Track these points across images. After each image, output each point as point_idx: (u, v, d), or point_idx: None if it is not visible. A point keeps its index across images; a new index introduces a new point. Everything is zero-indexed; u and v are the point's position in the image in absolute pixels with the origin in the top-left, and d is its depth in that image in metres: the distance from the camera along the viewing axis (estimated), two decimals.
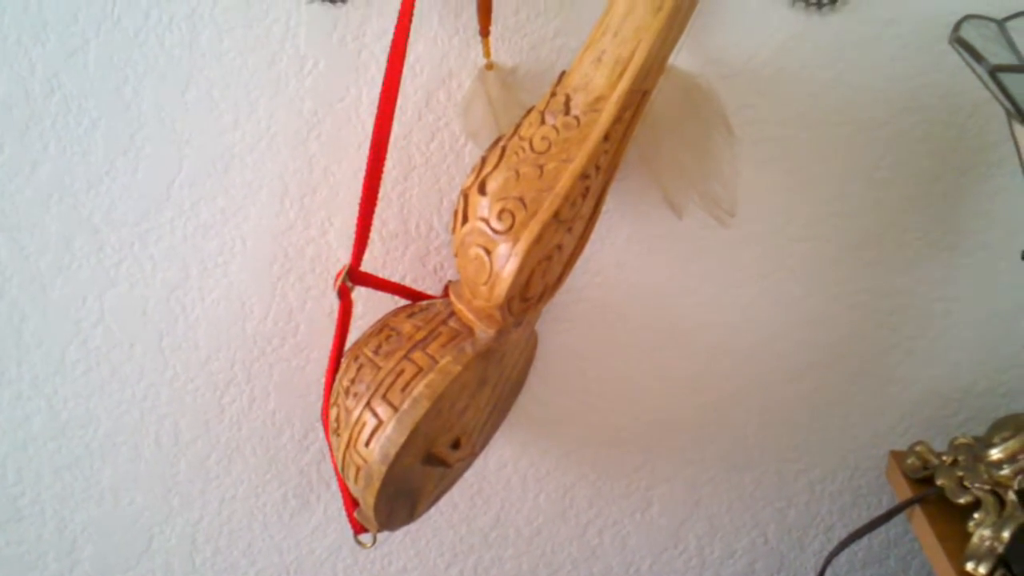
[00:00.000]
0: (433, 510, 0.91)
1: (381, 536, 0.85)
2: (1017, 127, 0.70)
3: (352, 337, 0.80)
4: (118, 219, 0.82)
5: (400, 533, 1.00)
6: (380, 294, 0.83)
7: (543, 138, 0.69)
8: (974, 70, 0.68)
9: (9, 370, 0.88)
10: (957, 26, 0.70)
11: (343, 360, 0.78)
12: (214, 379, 0.90)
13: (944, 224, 0.87)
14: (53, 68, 0.76)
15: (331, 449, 0.79)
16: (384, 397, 0.73)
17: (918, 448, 0.89)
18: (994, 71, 0.64)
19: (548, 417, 0.96)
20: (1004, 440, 0.81)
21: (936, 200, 0.86)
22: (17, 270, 0.84)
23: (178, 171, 0.81)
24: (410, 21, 0.70)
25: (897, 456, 0.92)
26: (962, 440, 0.87)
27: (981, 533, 0.78)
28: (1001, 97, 0.67)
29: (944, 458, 0.87)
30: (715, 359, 0.94)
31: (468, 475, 0.95)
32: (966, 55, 0.68)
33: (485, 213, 0.69)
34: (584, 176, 0.68)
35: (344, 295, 0.78)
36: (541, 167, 0.68)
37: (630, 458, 1.00)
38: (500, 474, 0.99)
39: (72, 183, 0.81)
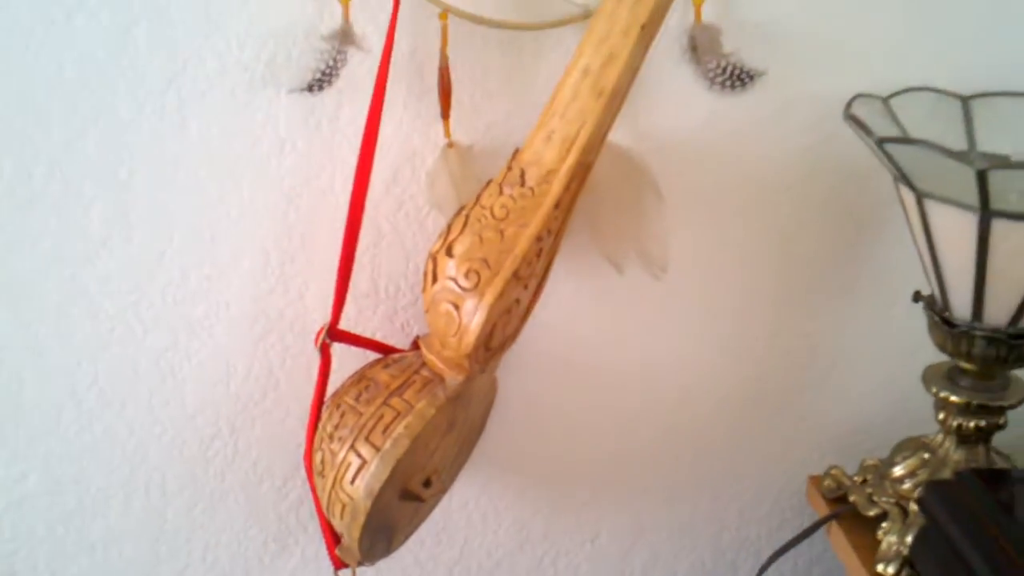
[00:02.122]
0: (402, 547, 0.96)
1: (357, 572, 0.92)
2: (903, 188, 0.77)
3: (328, 388, 0.86)
4: (113, 289, 0.86)
5: (371, 571, 1.03)
6: (351, 350, 0.88)
7: (502, 206, 0.77)
8: (865, 141, 0.76)
9: (7, 432, 0.90)
10: (849, 104, 0.79)
11: (325, 409, 0.84)
12: (200, 433, 0.94)
13: (844, 273, 0.97)
14: (55, 154, 0.80)
15: (314, 490, 0.84)
16: (367, 439, 0.79)
17: (833, 472, 0.96)
18: (881, 142, 0.73)
19: (505, 457, 1.02)
20: (904, 459, 0.88)
21: (838, 252, 0.96)
22: (16, 339, 0.87)
23: (169, 244, 0.86)
24: (382, 107, 0.78)
25: (815, 480, 0.99)
26: (870, 462, 0.94)
27: (889, 540, 0.85)
28: (888, 163, 0.75)
29: (855, 478, 0.94)
30: (652, 399, 1.02)
31: (434, 513, 0.98)
32: (857, 129, 0.76)
33: (453, 273, 0.76)
34: (539, 239, 0.76)
35: (324, 351, 0.85)
36: (502, 232, 0.76)
37: (580, 493, 1.06)
38: (463, 511, 1.04)
39: (71, 256, 0.85)
